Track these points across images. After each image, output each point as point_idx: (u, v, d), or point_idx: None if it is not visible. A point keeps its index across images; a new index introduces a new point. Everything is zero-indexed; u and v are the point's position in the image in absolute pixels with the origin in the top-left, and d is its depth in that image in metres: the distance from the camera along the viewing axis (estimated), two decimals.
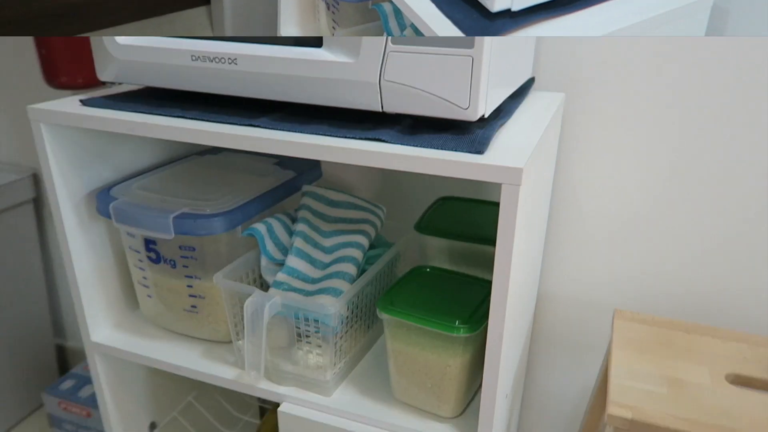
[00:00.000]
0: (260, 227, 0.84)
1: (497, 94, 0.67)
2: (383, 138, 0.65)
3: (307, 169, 0.97)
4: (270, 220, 0.85)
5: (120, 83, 0.86)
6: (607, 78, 0.92)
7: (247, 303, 0.73)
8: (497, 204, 0.96)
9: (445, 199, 0.97)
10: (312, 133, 0.67)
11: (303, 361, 0.78)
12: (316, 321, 0.74)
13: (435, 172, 0.60)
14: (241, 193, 0.85)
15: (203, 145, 1.10)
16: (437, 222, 0.89)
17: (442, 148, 0.62)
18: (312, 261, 0.84)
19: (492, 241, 0.84)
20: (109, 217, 0.81)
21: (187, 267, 0.83)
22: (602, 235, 1.01)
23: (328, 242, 0.87)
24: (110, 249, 0.91)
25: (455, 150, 0.61)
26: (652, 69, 0.89)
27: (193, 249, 0.82)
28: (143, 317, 0.95)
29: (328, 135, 0.66)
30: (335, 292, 0.78)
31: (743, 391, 0.80)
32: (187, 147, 1.05)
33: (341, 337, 0.78)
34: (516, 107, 0.78)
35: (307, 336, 0.76)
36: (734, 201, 0.94)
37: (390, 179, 1.11)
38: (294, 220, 0.89)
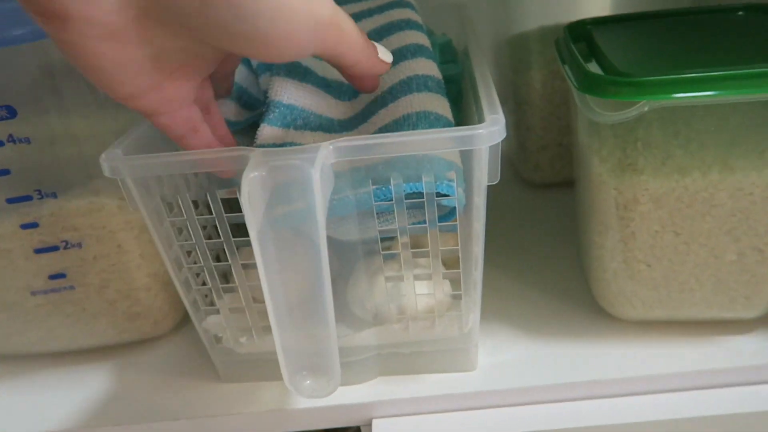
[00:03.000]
0: None
1: None
2: None
3: None
4: None
5: None
6: None
7: (248, 185, 0.24)
8: None
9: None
10: None
11: (402, 306, 0.32)
12: (445, 194, 0.27)
13: None
14: None
15: None
16: None
17: None
18: (327, 85, 0.36)
19: None
20: None
21: (7, 174, 0.30)
22: None
23: None
24: None
25: None
26: None
27: (11, 113, 0.29)
28: None
29: None
30: (436, 120, 0.31)
31: None
32: None
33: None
34: None
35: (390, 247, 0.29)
36: None
37: None
38: None
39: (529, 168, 0.49)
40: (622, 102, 0.27)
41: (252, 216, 0.24)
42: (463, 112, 0.39)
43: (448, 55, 0.40)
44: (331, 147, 0.25)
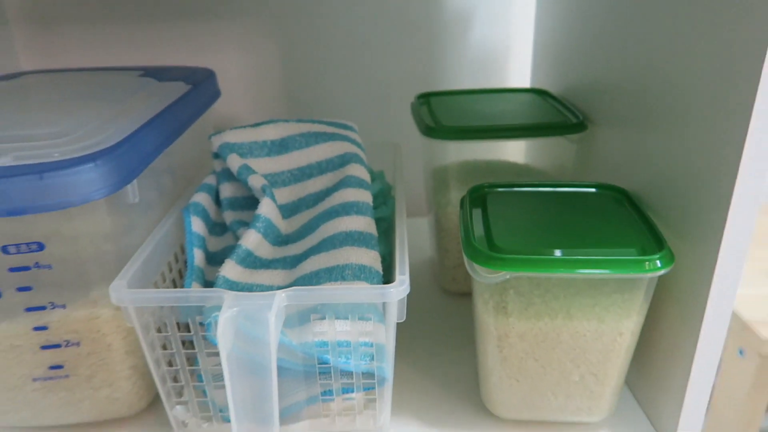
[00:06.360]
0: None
1: None
2: None
3: (202, 80, 0.56)
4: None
5: None
6: None
7: (223, 322, 0.33)
8: (503, 91, 0.67)
9: (426, 96, 0.64)
10: None
11: (330, 406, 0.41)
12: (368, 320, 0.38)
13: None
14: (115, 116, 0.42)
15: None
16: (447, 121, 0.57)
17: None
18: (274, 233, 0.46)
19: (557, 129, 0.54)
20: None
21: (30, 290, 0.39)
22: None
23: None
24: None
25: None
26: None
27: (40, 247, 0.38)
28: None
29: None
30: (360, 272, 0.41)
31: None
32: None
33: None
34: None
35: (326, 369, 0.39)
36: None
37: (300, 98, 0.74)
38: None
39: (447, 280, 0.60)
40: None
41: (223, 345, 0.33)
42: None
43: (381, 198, 0.51)
44: (284, 294, 0.35)
